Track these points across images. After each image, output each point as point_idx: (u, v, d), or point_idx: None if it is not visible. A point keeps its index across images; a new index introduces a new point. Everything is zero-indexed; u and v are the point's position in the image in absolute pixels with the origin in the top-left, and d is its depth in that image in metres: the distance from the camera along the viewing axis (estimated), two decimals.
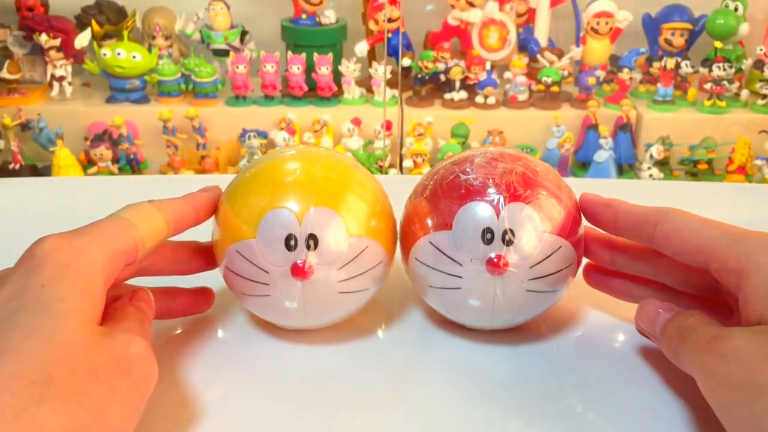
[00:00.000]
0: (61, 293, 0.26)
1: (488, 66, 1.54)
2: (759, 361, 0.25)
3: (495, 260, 0.32)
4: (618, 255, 0.36)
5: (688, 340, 0.29)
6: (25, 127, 1.46)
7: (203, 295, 0.37)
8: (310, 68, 1.51)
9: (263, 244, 0.32)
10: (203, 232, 0.36)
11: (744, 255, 0.29)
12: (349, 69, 1.52)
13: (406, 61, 1.53)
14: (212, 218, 0.35)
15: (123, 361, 0.27)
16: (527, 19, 1.61)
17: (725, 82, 1.49)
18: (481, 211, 0.33)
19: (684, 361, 0.29)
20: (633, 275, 0.36)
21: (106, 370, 0.26)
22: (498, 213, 0.32)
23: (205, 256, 0.36)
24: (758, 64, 1.52)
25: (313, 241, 0.32)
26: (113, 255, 0.29)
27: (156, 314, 0.33)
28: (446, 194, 0.34)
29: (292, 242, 0.32)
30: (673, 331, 0.30)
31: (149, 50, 1.52)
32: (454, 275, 0.33)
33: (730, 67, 1.49)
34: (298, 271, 0.32)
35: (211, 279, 0.36)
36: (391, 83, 1.50)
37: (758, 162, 1.44)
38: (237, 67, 1.49)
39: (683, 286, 0.35)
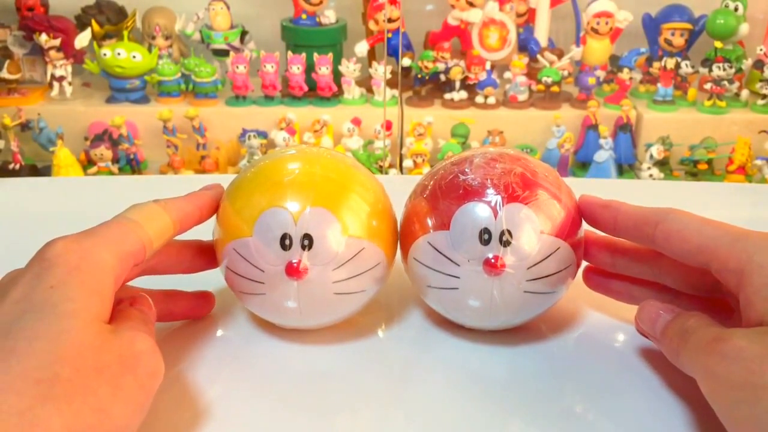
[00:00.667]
0: (69, 294, 0.27)
1: (488, 66, 1.54)
2: (760, 362, 0.25)
3: (492, 261, 0.32)
4: (618, 257, 0.36)
5: (689, 341, 0.29)
6: (25, 127, 1.46)
7: (204, 299, 0.38)
8: (310, 68, 1.51)
9: (259, 242, 0.32)
10: (205, 232, 0.36)
11: (745, 255, 0.29)
12: (349, 69, 1.52)
13: (406, 61, 1.53)
14: (214, 217, 0.35)
15: (129, 359, 0.27)
16: (527, 19, 1.61)
17: (725, 82, 1.49)
18: (478, 212, 0.33)
19: (685, 362, 0.29)
20: (633, 277, 0.36)
21: (112, 368, 0.26)
22: (496, 214, 0.32)
23: (209, 254, 0.36)
24: (758, 64, 1.52)
25: (308, 241, 0.32)
26: (122, 256, 0.29)
27: (157, 317, 0.33)
28: (445, 194, 0.34)
29: (287, 242, 0.32)
30: (673, 332, 0.30)
31: (149, 50, 1.52)
32: (452, 275, 0.33)
33: (730, 67, 1.49)
34: (293, 271, 0.32)
35: (213, 279, 0.36)
36: (391, 83, 1.50)
37: (758, 162, 1.44)
38: (237, 67, 1.49)
39: (684, 286, 0.35)
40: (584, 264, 0.37)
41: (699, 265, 0.31)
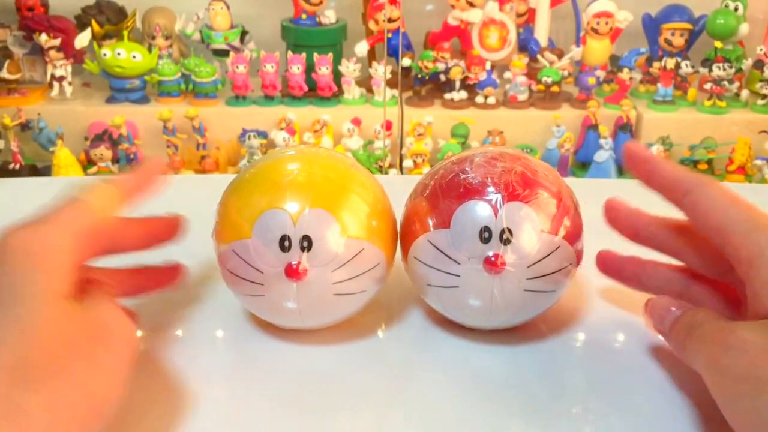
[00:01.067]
0: (28, 278, 0.27)
1: (488, 66, 1.54)
2: (764, 355, 0.25)
3: (492, 259, 0.32)
4: (642, 225, 0.35)
5: (694, 334, 0.29)
6: (25, 127, 1.46)
7: (174, 268, 0.36)
8: (310, 68, 1.52)
9: (259, 244, 0.32)
10: (205, 231, 0.36)
11: (756, 248, 0.28)
12: (349, 69, 1.52)
13: (406, 61, 1.53)
14: (214, 215, 0.35)
15: (97, 330, 0.27)
16: (527, 19, 1.61)
17: (725, 82, 1.49)
18: (479, 210, 0.33)
19: (690, 355, 0.29)
20: (645, 261, 0.36)
21: (81, 341, 0.26)
22: (496, 212, 0.32)
23: (167, 227, 0.35)
24: (758, 64, 1.52)
25: (307, 242, 0.32)
26: (78, 236, 0.30)
27: (128, 292, 0.33)
28: (445, 193, 0.34)
29: (287, 243, 0.32)
30: (681, 325, 0.30)
31: (149, 50, 1.52)
32: (452, 274, 0.33)
33: (730, 67, 1.49)
34: (292, 272, 0.32)
35: (213, 277, 0.36)
36: (391, 83, 1.50)
37: (758, 162, 1.44)
38: (237, 67, 1.49)
39: (702, 266, 0.34)
40: (597, 251, 0.37)
41: (715, 244, 0.30)
